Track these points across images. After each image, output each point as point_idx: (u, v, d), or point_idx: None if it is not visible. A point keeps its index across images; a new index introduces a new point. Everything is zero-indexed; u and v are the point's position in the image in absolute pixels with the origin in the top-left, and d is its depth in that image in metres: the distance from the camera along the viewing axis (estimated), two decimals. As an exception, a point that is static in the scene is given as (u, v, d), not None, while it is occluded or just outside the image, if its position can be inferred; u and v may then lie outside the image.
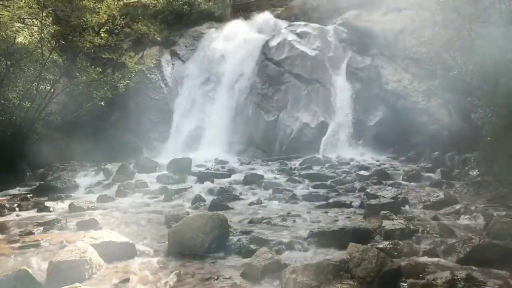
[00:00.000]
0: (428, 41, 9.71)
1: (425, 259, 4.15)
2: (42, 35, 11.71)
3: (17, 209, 7.10)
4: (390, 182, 8.55)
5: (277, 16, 18.68)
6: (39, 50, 11.70)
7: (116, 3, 14.27)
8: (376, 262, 3.52)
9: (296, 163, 11.66)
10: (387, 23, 14.92)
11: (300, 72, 14.90)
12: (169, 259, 4.32)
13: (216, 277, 3.78)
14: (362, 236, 4.70)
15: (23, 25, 12.44)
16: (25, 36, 12.26)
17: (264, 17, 18.31)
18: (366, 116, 13.76)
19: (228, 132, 14.79)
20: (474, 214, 5.81)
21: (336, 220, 5.75)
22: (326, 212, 6.31)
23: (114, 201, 7.74)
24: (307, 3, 18.47)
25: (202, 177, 9.35)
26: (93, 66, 13.53)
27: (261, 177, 9.20)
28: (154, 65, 16.10)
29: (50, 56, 11.96)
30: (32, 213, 6.85)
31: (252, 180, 8.95)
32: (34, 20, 12.80)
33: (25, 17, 12.62)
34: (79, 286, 3.32)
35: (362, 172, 9.44)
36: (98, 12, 13.03)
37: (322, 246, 4.57)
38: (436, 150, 11.18)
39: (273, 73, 15.29)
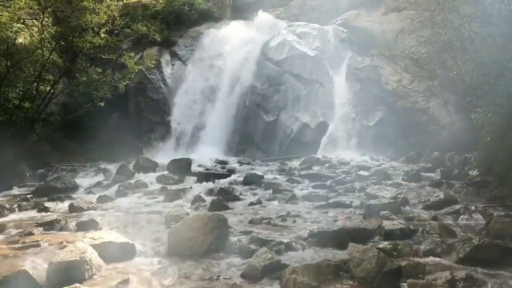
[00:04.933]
0: (428, 41, 9.72)
1: (425, 259, 4.15)
2: (42, 35, 11.70)
3: (17, 209, 7.09)
4: (390, 182, 8.54)
5: (277, 17, 18.69)
6: (39, 50, 11.71)
7: (116, 3, 14.27)
8: (376, 262, 3.52)
9: (296, 163, 11.65)
10: (387, 23, 14.93)
11: (300, 72, 14.91)
12: (169, 260, 4.31)
13: (216, 277, 3.78)
14: (362, 236, 4.70)
15: (23, 26, 12.44)
16: (25, 37, 12.27)
17: (264, 17, 18.31)
18: (366, 116, 13.76)
19: (228, 132, 14.81)
20: (474, 214, 5.80)
21: (336, 220, 5.74)
22: (326, 212, 6.30)
23: (114, 201, 7.73)
24: (307, 3, 18.48)
25: (202, 177, 9.35)
26: (93, 67, 13.55)
27: (261, 177, 9.20)
28: (154, 66, 16.11)
29: (50, 57, 11.96)
30: (32, 213, 6.85)
31: (252, 180, 8.95)
32: (34, 21, 12.80)
33: (25, 18, 12.63)
34: (79, 287, 3.32)
35: (362, 172, 9.43)
36: (98, 12, 13.04)
37: (322, 246, 4.56)
38: (436, 150, 11.18)
39: (273, 73, 15.30)
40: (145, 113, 15.86)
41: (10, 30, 11.18)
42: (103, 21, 13.48)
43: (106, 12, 13.33)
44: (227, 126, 14.91)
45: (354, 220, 5.73)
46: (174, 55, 17.31)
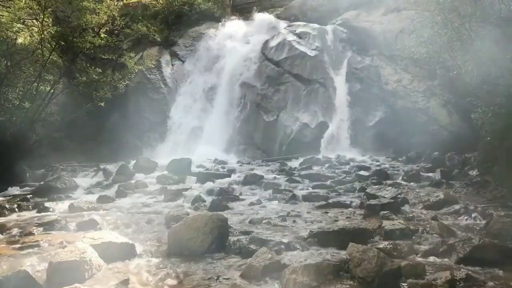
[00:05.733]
0: (428, 41, 9.69)
1: (425, 259, 4.15)
2: (42, 36, 11.71)
3: (17, 209, 7.08)
4: (390, 182, 8.55)
5: (277, 17, 18.69)
6: (39, 50, 11.71)
7: (116, 3, 14.28)
8: (376, 262, 3.52)
9: (296, 163, 11.66)
10: (387, 23, 14.93)
11: (300, 72, 14.91)
12: (169, 260, 4.31)
13: (216, 277, 3.78)
14: (362, 236, 4.70)
15: (24, 26, 12.44)
16: (25, 37, 12.26)
17: (264, 17, 18.32)
18: (366, 116, 13.76)
19: (228, 132, 14.81)
20: (474, 214, 5.80)
21: (336, 220, 5.74)
22: (326, 212, 6.31)
23: (114, 201, 7.73)
24: (307, 3, 18.48)
25: (202, 178, 9.35)
26: (93, 67, 13.53)
27: (261, 177, 9.20)
28: (154, 66, 16.13)
29: (50, 57, 11.96)
30: (32, 213, 6.85)
31: (252, 180, 8.95)
32: (34, 21, 12.80)
33: (26, 18, 12.63)
34: (79, 287, 3.33)
35: (362, 172, 9.44)
36: (98, 13, 13.04)
37: (322, 246, 4.56)
38: (436, 150, 11.19)
39: (273, 73, 15.30)
40: (145, 113, 15.86)
41: (10, 30, 11.18)
42: (103, 21, 13.48)
43: (106, 12, 13.34)
44: (227, 126, 14.92)
45: (354, 220, 5.74)
46: (174, 55, 17.32)
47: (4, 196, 8.58)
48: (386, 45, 14.49)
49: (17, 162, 10.86)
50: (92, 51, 13.95)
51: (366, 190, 7.32)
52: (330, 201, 7.04)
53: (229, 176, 9.81)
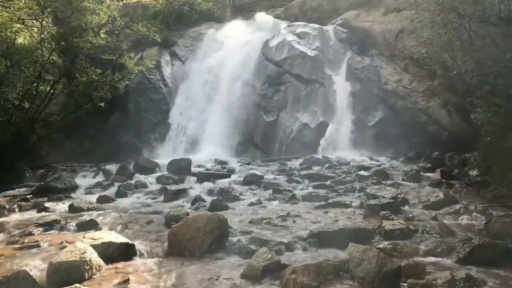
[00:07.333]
0: (428, 41, 9.72)
1: (425, 259, 4.16)
2: (42, 36, 11.71)
3: (16, 209, 7.08)
4: (390, 182, 8.55)
5: (277, 17, 18.68)
6: (39, 51, 11.69)
7: (116, 3, 14.26)
8: (376, 262, 3.52)
9: (295, 163, 11.65)
10: (387, 23, 14.93)
11: (300, 72, 14.91)
12: (169, 260, 4.32)
13: (216, 278, 3.78)
14: (362, 236, 4.71)
15: (23, 26, 12.43)
16: (25, 37, 12.26)
17: (264, 18, 18.31)
18: (366, 116, 13.76)
19: (228, 132, 14.80)
20: (474, 214, 5.81)
21: (336, 220, 5.74)
22: (326, 212, 6.30)
23: (114, 201, 7.73)
24: (307, 4, 18.47)
25: (202, 178, 9.34)
26: (93, 67, 13.52)
27: (261, 177, 9.20)
28: (154, 66, 16.11)
29: (50, 57, 11.95)
30: (32, 213, 6.84)
31: (252, 181, 8.95)
32: (34, 21, 12.80)
33: (25, 18, 12.62)
34: (79, 287, 3.33)
35: (362, 172, 9.43)
36: (98, 13, 13.03)
37: (322, 246, 4.57)
38: (436, 150, 11.19)
39: (273, 73, 15.29)
40: (145, 113, 15.86)
41: (10, 30, 11.17)
42: (104, 21, 13.47)
43: (106, 12, 13.32)
44: (227, 126, 14.90)
45: (354, 220, 5.73)
46: (174, 55, 17.32)
47: (4, 196, 8.57)
48: (386, 45, 14.49)
49: (17, 162, 10.85)
50: (92, 51, 13.92)
51: (366, 190, 7.32)
52: (330, 201, 7.03)
53: (229, 176, 9.80)
